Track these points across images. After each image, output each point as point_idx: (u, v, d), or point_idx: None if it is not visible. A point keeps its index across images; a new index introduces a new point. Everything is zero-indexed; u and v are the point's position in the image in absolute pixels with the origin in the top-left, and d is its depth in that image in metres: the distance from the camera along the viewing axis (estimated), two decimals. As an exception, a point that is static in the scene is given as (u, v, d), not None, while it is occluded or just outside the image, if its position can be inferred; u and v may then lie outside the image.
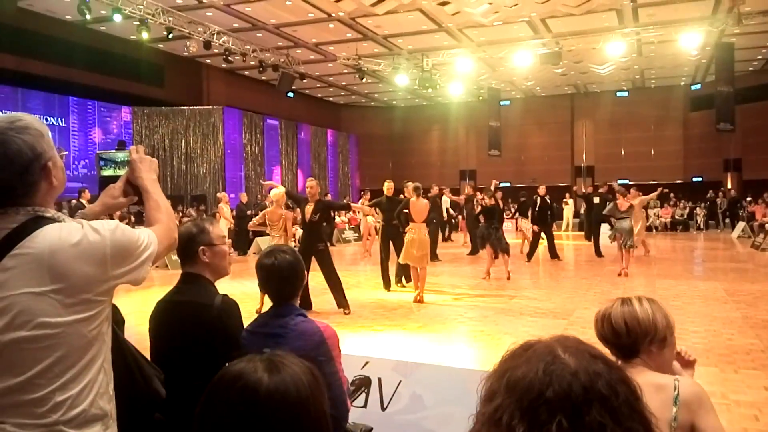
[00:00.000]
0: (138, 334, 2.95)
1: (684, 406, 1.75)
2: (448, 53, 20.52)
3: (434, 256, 14.10)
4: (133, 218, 15.57)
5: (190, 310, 2.52)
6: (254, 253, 16.84)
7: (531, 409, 0.83)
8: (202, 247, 2.57)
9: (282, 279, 2.52)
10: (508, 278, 11.41)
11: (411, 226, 9.49)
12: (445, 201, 19.41)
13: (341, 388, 2.50)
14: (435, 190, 16.46)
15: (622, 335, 1.91)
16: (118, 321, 1.96)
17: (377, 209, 11.59)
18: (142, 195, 1.89)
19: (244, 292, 10.00)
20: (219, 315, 2.48)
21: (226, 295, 2.57)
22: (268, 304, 2.64)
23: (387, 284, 10.61)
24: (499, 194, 13.00)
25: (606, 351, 1.73)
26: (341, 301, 8.60)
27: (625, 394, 0.86)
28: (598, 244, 15.43)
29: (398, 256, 10.07)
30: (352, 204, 13.84)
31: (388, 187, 10.84)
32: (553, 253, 14.73)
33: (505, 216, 14.69)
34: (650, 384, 1.70)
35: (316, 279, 8.96)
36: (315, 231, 8.68)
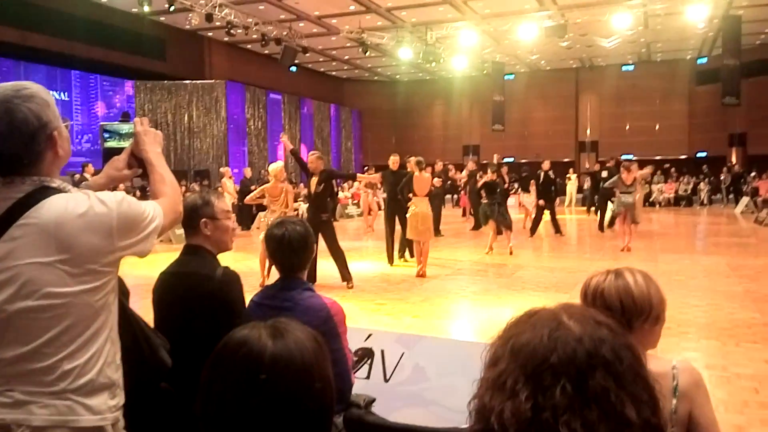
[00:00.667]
0: (143, 307, 2.96)
1: (683, 396, 1.68)
2: (452, 26, 20.33)
3: (437, 232, 14.12)
4: (138, 193, 15.57)
5: (192, 281, 2.54)
6: (257, 228, 16.87)
7: (535, 374, 0.84)
8: (204, 219, 2.58)
9: (291, 250, 2.52)
10: (511, 253, 11.43)
11: (413, 201, 9.49)
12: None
13: (346, 364, 2.52)
14: (439, 165, 16.42)
15: (615, 313, 1.69)
16: (123, 292, 1.98)
17: (382, 182, 11.56)
18: (146, 168, 1.88)
19: (248, 266, 10.04)
20: (220, 287, 2.50)
21: (227, 267, 2.58)
22: (272, 278, 2.66)
23: (391, 259, 10.64)
24: (504, 169, 12.98)
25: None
26: (345, 274, 8.64)
27: (629, 359, 0.86)
28: (603, 219, 15.41)
29: (403, 230, 10.08)
30: (358, 174, 13.82)
31: (393, 161, 10.80)
32: (556, 228, 14.72)
33: (509, 192, 14.65)
34: None
35: (320, 252, 8.98)
36: (320, 203, 8.70)
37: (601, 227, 15.28)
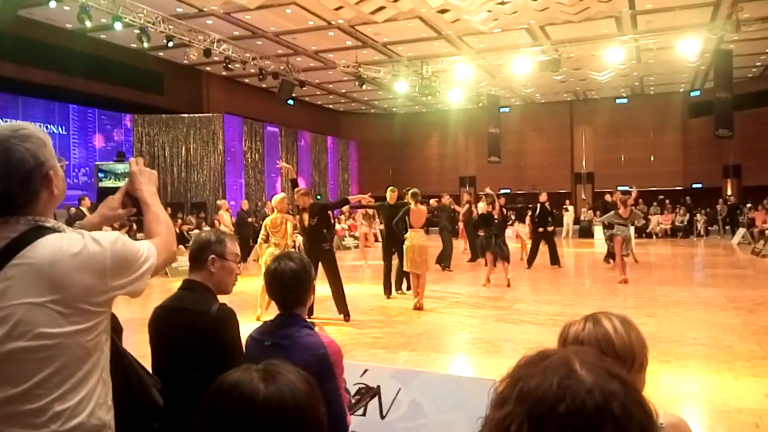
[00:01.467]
0: (137, 342, 2.95)
1: None
2: (447, 60, 20.57)
3: (447, 266, 14.07)
4: (135, 226, 15.58)
5: (187, 317, 2.51)
6: (254, 261, 16.82)
7: (541, 421, 0.82)
8: (212, 256, 2.58)
9: (284, 286, 2.49)
10: (508, 285, 11.40)
11: (410, 233, 9.49)
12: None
13: (341, 405, 2.47)
14: (447, 199, 16.26)
15: None
16: (116, 328, 1.96)
17: (379, 214, 11.57)
18: (141, 207, 1.89)
19: (244, 300, 9.99)
20: (215, 324, 2.47)
21: (223, 304, 2.56)
22: (270, 310, 2.65)
23: (387, 291, 10.59)
24: (501, 201, 13.02)
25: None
26: (341, 308, 8.59)
27: (639, 416, 0.83)
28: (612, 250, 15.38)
29: (401, 262, 10.05)
30: (349, 197, 13.78)
31: (390, 195, 10.75)
32: (554, 260, 14.70)
33: (507, 223, 14.67)
34: None
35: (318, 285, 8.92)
36: (317, 235, 8.69)
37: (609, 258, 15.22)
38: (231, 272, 2.66)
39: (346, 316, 8.54)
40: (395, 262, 10.49)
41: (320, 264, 8.41)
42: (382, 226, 25.28)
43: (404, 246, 9.51)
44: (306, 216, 8.62)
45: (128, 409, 1.87)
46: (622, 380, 0.86)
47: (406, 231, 9.57)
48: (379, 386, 4.04)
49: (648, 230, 24.27)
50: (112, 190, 1.96)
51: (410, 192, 9.73)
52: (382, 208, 11.00)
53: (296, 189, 8.96)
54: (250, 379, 1.16)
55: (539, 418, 0.82)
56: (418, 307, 9.30)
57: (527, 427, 0.82)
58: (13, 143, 1.56)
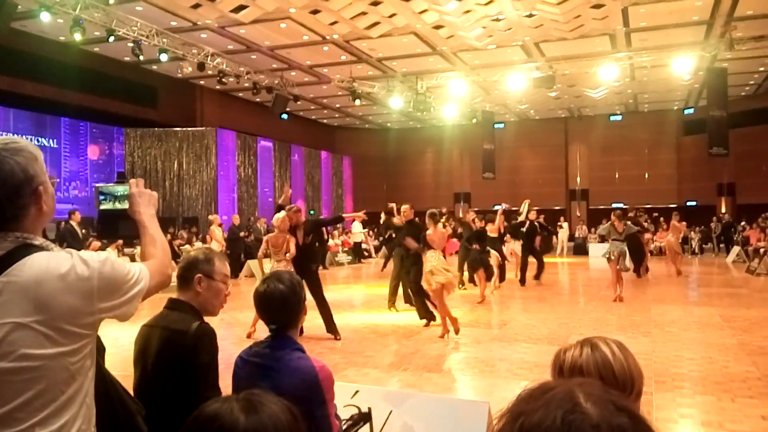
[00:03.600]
0: (122, 361, 2.87)
1: None
2: (442, 76, 20.64)
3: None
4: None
5: (166, 336, 2.46)
6: (246, 276, 16.72)
7: None
8: (199, 275, 2.52)
9: (272, 308, 2.46)
10: (481, 301, 11.44)
11: (431, 254, 8.59)
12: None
13: None
14: (471, 215, 15.90)
15: None
16: (99, 348, 1.89)
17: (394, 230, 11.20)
18: (139, 229, 1.90)
19: (235, 317, 9.87)
20: (194, 342, 2.41)
21: (203, 322, 2.50)
22: (260, 328, 2.58)
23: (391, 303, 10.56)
24: (500, 219, 13.07)
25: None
26: (330, 327, 8.48)
27: None
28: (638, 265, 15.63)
29: (409, 282, 9.84)
30: (344, 215, 13.68)
31: (405, 212, 10.01)
32: (537, 275, 14.85)
33: (504, 240, 14.67)
34: None
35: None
36: (308, 253, 8.60)
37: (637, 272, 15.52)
38: (218, 293, 2.59)
39: (337, 335, 8.42)
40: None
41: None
42: (375, 241, 25.25)
43: (424, 270, 8.72)
44: (300, 233, 8.53)
45: (111, 436, 1.81)
46: (630, 414, 0.80)
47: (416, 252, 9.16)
48: (370, 408, 3.95)
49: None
50: (113, 213, 1.98)
51: (429, 213, 8.96)
52: (398, 228, 10.64)
53: (288, 207, 8.82)
54: (230, 409, 1.12)
55: None
56: (453, 330, 8.46)
57: None
58: (3, 156, 1.53)
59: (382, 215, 13.84)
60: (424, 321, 9.35)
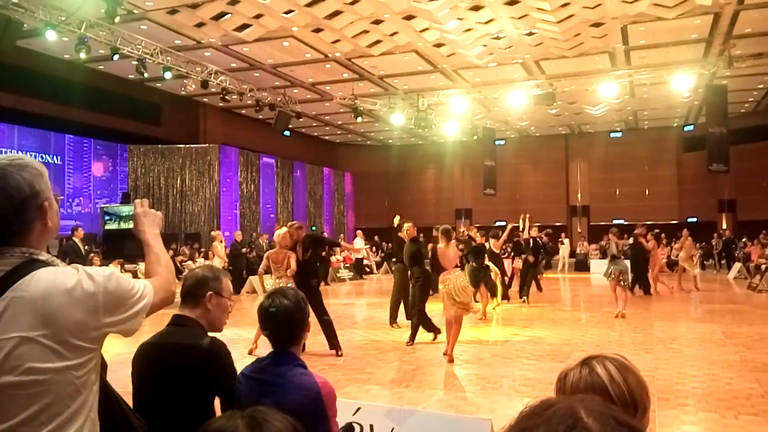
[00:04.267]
0: (122, 378, 2.85)
1: None
2: (443, 93, 20.73)
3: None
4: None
5: (178, 352, 2.46)
6: (247, 293, 16.71)
7: None
8: (210, 293, 2.55)
9: (276, 324, 2.46)
10: (483, 318, 11.45)
11: (445, 276, 8.29)
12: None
13: None
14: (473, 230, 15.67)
15: None
16: (101, 365, 1.91)
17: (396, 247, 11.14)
18: (144, 247, 1.93)
19: (237, 333, 9.87)
20: (208, 357, 2.42)
21: (215, 338, 2.51)
22: (261, 345, 2.59)
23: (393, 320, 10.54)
24: (507, 234, 13.14)
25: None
26: (333, 343, 8.46)
27: None
28: (646, 283, 15.58)
29: (410, 301, 9.81)
30: (342, 243, 13.64)
31: (409, 230, 9.77)
32: (536, 287, 15.00)
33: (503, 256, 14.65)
34: None
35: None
36: (309, 268, 8.62)
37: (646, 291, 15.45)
38: (226, 309, 2.63)
39: (339, 351, 8.41)
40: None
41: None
42: (377, 257, 25.24)
43: (441, 291, 8.41)
44: (300, 249, 8.57)
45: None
46: (631, 428, 0.81)
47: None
48: (372, 425, 3.94)
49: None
50: (118, 233, 2.04)
51: (441, 229, 8.78)
52: (399, 245, 10.52)
53: (290, 223, 8.87)
54: (235, 427, 1.11)
55: None
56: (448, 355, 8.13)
57: None
58: (10, 171, 1.56)
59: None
60: (431, 335, 9.34)
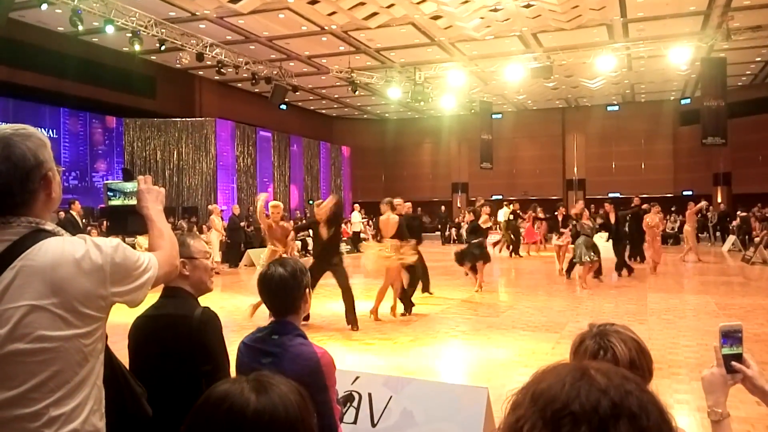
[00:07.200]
0: (118, 350, 2.90)
1: None
2: (440, 67, 20.61)
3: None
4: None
5: (170, 322, 2.48)
6: (245, 265, 16.77)
7: (554, 420, 0.79)
8: (181, 260, 2.55)
9: (270, 292, 2.47)
10: (479, 290, 11.53)
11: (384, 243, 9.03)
12: (504, 212, 19.46)
13: (333, 418, 2.42)
14: (481, 202, 15.08)
15: None
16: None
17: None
18: (147, 223, 1.96)
19: (235, 304, 9.95)
20: (199, 327, 2.44)
21: (207, 308, 2.53)
22: (256, 318, 2.62)
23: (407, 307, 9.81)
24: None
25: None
26: (350, 318, 8.47)
27: (656, 416, 0.81)
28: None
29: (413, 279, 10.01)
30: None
31: (398, 204, 9.69)
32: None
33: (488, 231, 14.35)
34: None
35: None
36: (332, 247, 8.61)
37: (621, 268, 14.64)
38: (205, 269, 2.63)
39: (354, 326, 8.40)
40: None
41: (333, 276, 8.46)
42: (374, 231, 25.35)
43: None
44: (323, 229, 8.51)
45: (118, 418, 1.85)
46: (637, 383, 0.84)
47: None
48: (370, 394, 4.02)
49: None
50: (122, 209, 2.10)
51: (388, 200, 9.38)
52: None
53: (315, 202, 8.99)
54: (240, 390, 1.14)
55: (552, 416, 0.80)
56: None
57: (540, 425, 0.80)
58: (15, 140, 1.56)
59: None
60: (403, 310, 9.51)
